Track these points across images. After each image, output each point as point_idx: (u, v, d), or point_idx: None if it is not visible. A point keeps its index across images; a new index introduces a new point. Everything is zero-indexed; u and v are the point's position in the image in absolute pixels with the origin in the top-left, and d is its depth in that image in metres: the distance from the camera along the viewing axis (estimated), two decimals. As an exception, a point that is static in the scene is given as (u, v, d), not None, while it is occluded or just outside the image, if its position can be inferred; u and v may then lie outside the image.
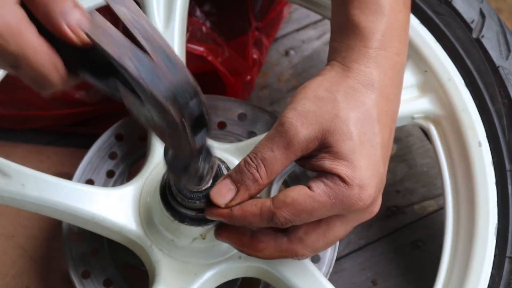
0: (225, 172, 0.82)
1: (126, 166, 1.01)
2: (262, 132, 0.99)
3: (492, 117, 0.92)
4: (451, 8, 0.96)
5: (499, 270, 0.87)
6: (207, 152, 0.74)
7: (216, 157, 0.83)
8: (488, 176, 0.90)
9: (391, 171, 1.11)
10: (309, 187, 0.76)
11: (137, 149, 1.01)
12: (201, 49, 1.07)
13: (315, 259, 0.95)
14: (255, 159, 0.77)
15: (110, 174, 1.00)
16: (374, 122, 0.78)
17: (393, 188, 1.10)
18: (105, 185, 0.99)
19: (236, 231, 0.81)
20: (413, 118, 0.94)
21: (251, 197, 0.78)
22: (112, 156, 1.01)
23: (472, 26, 0.95)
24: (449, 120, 0.93)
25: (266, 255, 0.80)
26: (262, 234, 0.80)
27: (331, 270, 0.95)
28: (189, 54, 1.04)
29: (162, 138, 0.71)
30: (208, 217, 0.80)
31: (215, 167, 0.78)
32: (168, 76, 0.65)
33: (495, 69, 0.93)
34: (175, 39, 0.96)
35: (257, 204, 0.77)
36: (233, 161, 0.90)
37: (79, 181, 0.98)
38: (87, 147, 1.01)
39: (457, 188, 0.91)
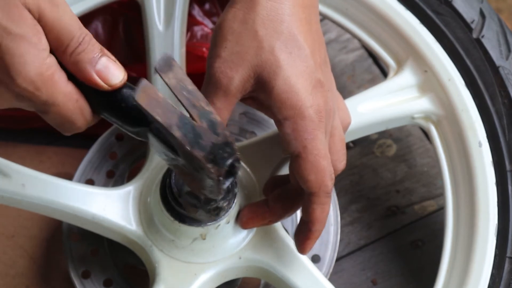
0: None
1: (126, 166, 1.01)
2: (262, 132, 0.99)
3: (492, 117, 0.92)
4: (451, 8, 0.96)
5: (499, 270, 0.87)
6: (227, 191, 0.80)
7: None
8: (488, 176, 0.90)
9: (391, 171, 1.11)
10: (297, 155, 0.77)
11: (137, 149, 1.01)
12: (201, 49, 1.07)
13: (315, 259, 0.95)
14: None
15: (110, 174, 1.00)
16: (296, 36, 0.77)
17: (393, 188, 1.10)
18: (105, 185, 0.99)
19: (255, 212, 0.83)
20: (413, 118, 0.94)
21: None
22: (112, 156, 1.01)
23: (472, 26, 0.95)
24: (449, 120, 0.93)
25: (325, 218, 0.81)
26: (311, 211, 0.80)
27: (331, 270, 0.95)
28: (189, 54, 1.04)
29: (192, 184, 0.75)
30: (302, 252, 0.83)
31: (234, 199, 0.83)
32: (210, 138, 0.69)
33: (495, 69, 0.93)
34: (175, 39, 0.96)
35: (314, 207, 0.78)
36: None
37: (79, 181, 0.98)
38: (87, 147, 1.01)
39: (457, 188, 0.91)
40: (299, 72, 0.77)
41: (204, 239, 0.86)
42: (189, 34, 1.08)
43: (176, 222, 0.84)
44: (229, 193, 0.81)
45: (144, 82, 0.67)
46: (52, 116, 0.71)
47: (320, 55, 0.80)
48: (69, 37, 0.68)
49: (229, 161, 0.70)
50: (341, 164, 0.83)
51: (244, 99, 0.81)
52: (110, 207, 0.89)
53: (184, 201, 0.81)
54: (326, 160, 0.77)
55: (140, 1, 0.98)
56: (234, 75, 0.77)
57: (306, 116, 0.76)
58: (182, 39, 0.97)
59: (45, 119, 0.72)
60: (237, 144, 0.92)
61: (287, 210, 0.82)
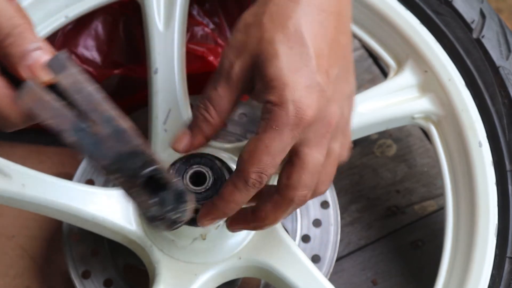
0: (226, 173, 0.82)
1: (126, 166, 1.01)
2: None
3: (493, 117, 0.92)
4: (451, 8, 0.95)
5: (499, 271, 0.87)
6: (176, 202, 0.72)
7: (216, 157, 0.83)
8: (488, 176, 0.90)
9: (391, 171, 1.11)
10: (256, 134, 0.76)
11: (137, 149, 1.01)
12: (201, 49, 1.07)
13: (315, 259, 0.95)
14: (202, 101, 0.79)
15: (110, 174, 1.00)
16: (302, 34, 0.76)
17: (393, 188, 1.10)
18: (105, 185, 0.99)
19: (240, 215, 0.81)
20: (413, 118, 0.94)
21: (207, 138, 0.80)
22: (112, 156, 1.00)
23: (473, 26, 0.95)
24: (450, 120, 0.93)
25: (272, 219, 0.80)
26: (258, 204, 0.80)
27: (331, 270, 0.95)
28: (189, 54, 1.04)
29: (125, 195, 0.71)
30: (200, 223, 0.80)
31: (187, 214, 0.75)
32: (113, 146, 0.64)
33: (495, 69, 0.93)
34: (175, 39, 0.96)
35: (228, 182, 0.77)
36: (234, 161, 0.90)
37: (79, 181, 0.98)
38: (87, 147, 1.01)
39: (457, 188, 0.91)
40: (295, 67, 0.76)
41: (204, 239, 0.86)
42: (189, 34, 1.08)
43: (176, 222, 0.84)
44: (180, 205, 0.73)
45: (28, 83, 0.63)
46: None
47: (330, 63, 0.78)
48: None
49: (146, 171, 0.66)
50: (323, 187, 0.80)
51: (253, 96, 0.79)
52: (110, 208, 0.89)
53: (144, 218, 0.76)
54: (270, 157, 0.75)
55: (140, 1, 0.98)
56: (236, 61, 0.77)
57: (285, 108, 0.74)
58: (182, 39, 0.97)
59: None
60: (238, 144, 0.92)
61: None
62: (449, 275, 0.88)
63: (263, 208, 0.79)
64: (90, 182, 0.99)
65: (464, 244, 0.89)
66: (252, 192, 0.77)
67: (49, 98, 0.63)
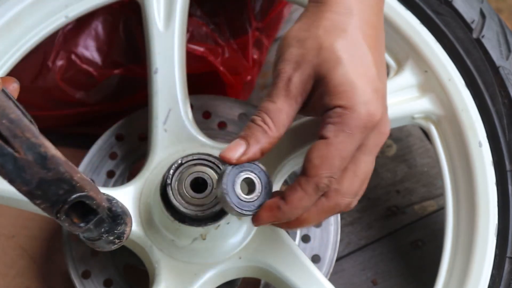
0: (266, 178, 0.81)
1: (127, 166, 1.01)
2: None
3: (493, 117, 0.92)
4: (451, 8, 0.95)
5: (499, 270, 0.87)
6: (111, 225, 0.73)
7: (216, 157, 0.83)
8: (488, 176, 0.90)
9: (391, 171, 1.11)
10: (322, 137, 0.76)
11: (137, 149, 1.01)
12: (201, 49, 1.07)
13: (315, 259, 0.95)
14: (259, 113, 0.78)
15: (110, 174, 1.00)
16: (360, 43, 0.78)
17: (393, 188, 1.10)
18: (105, 185, 0.99)
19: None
20: (413, 118, 0.94)
21: (263, 151, 0.78)
22: (112, 156, 1.01)
23: (473, 26, 0.95)
24: (450, 120, 0.93)
25: (314, 221, 0.79)
26: (290, 192, 0.78)
27: (331, 270, 0.95)
28: (189, 54, 1.04)
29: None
30: (259, 224, 0.79)
31: (125, 235, 0.74)
32: (38, 173, 0.63)
33: (495, 69, 0.93)
34: (175, 39, 0.96)
35: (296, 187, 0.76)
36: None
37: (79, 181, 0.98)
38: (87, 147, 1.01)
39: (457, 188, 0.91)
40: (359, 73, 0.76)
41: (204, 239, 0.86)
42: (189, 34, 1.08)
43: (176, 222, 0.84)
44: (118, 226, 0.73)
45: None
46: None
47: (384, 75, 0.79)
48: None
49: (71, 198, 0.65)
50: (347, 201, 0.79)
51: (307, 108, 0.79)
52: (110, 207, 0.89)
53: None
54: (340, 162, 0.75)
55: (140, 1, 0.98)
56: (295, 74, 0.77)
57: (357, 111, 0.75)
58: (182, 39, 0.97)
59: None
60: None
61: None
62: (449, 275, 0.88)
63: (306, 211, 0.78)
64: (90, 182, 0.99)
65: (464, 244, 0.89)
66: (319, 196, 0.77)
67: None
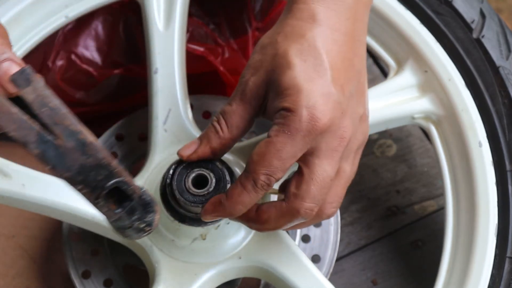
0: (227, 174, 0.82)
1: (127, 166, 1.01)
2: (262, 132, 0.98)
3: (493, 117, 0.92)
4: (451, 8, 0.95)
5: (499, 270, 0.87)
6: (142, 211, 0.74)
7: (218, 159, 0.83)
8: (488, 176, 0.90)
9: (391, 171, 1.11)
10: (267, 136, 0.77)
11: (137, 149, 1.01)
12: (201, 49, 1.07)
13: (315, 259, 0.95)
14: (216, 115, 0.81)
15: (110, 174, 1.00)
16: (316, 48, 0.78)
17: (393, 188, 1.10)
18: (105, 185, 0.99)
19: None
20: (413, 118, 0.94)
21: (213, 150, 0.81)
22: (112, 156, 1.00)
23: (473, 26, 0.95)
24: (450, 120, 0.93)
25: (273, 225, 0.80)
26: (264, 206, 0.80)
27: (331, 270, 0.95)
28: (189, 54, 1.04)
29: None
30: (204, 217, 0.81)
31: (155, 222, 0.76)
32: (79, 160, 0.66)
33: (495, 69, 0.93)
34: (175, 39, 0.96)
35: (237, 183, 0.78)
36: (233, 161, 0.90)
37: (79, 181, 0.98)
38: (87, 147, 1.01)
39: (457, 188, 0.91)
40: (309, 77, 0.77)
41: (204, 239, 0.86)
42: (189, 34, 1.08)
43: (176, 222, 0.84)
44: (147, 214, 0.75)
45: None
46: None
47: (345, 80, 0.79)
48: None
49: (109, 184, 0.68)
50: (331, 209, 0.81)
51: (265, 113, 0.80)
52: (110, 207, 0.89)
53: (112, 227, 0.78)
54: (279, 161, 0.76)
55: (140, 1, 0.98)
56: (251, 78, 0.79)
57: (298, 114, 0.75)
58: (182, 39, 0.97)
59: None
60: (237, 145, 0.92)
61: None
62: (449, 275, 0.88)
63: (266, 211, 0.79)
64: (90, 182, 0.99)
65: (464, 244, 0.89)
66: (260, 194, 0.78)
67: (15, 110, 0.64)
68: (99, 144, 0.67)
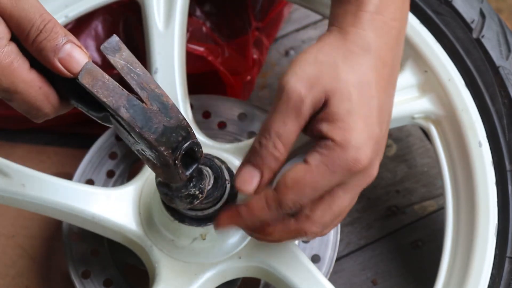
0: (225, 172, 0.82)
1: (127, 166, 1.01)
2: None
3: (493, 117, 0.92)
4: (451, 8, 0.96)
5: (499, 270, 0.87)
6: (198, 178, 0.78)
7: (215, 157, 0.83)
8: (488, 176, 0.90)
9: (391, 171, 1.11)
10: (305, 161, 0.76)
11: (137, 149, 1.01)
12: (201, 49, 1.07)
13: (315, 259, 0.95)
14: (270, 138, 0.77)
15: (110, 174, 1.00)
16: (371, 84, 0.78)
17: (393, 188, 1.10)
18: (105, 185, 0.99)
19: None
20: (413, 118, 0.94)
21: (275, 174, 0.79)
22: (112, 156, 1.01)
23: (472, 26, 0.95)
24: (449, 120, 0.93)
25: (276, 238, 0.80)
26: (254, 200, 0.79)
27: (331, 270, 0.95)
28: (189, 54, 1.04)
29: (153, 169, 0.74)
30: (219, 227, 0.80)
31: (206, 190, 0.80)
32: (162, 121, 0.69)
33: (495, 69, 0.93)
34: (175, 39, 0.96)
35: (262, 197, 0.77)
36: (233, 161, 0.90)
37: (79, 181, 0.98)
38: (87, 147, 1.01)
39: (457, 188, 0.91)
40: (363, 115, 0.77)
41: (204, 239, 0.86)
42: (189, 34, 1.08)
43: (176, 222, 0.84)
44: (201, 181, 0.78)
45: (89, 64, 0.68)
46: (17, 103, 0.71)
47: (386, 118, 0.80)
48: (29, 24, 0.68)
49: (186, 145, 0.70)
50: (313, 229, 0.79)
51: (308, 129, 0.79)
52: (110, 207, 0.89)
53: (159, 191, 0.79)
54: (312, 192, 0.76)
55: (140, 1, 0.98)
56: (309, 94, 0.77)
57: (346, 152, 0.75)
58: (182, 39, 0.97)
59: (12, 106, 0.72)
60: (238, 144, 0.93)
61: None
62: (449, 275, 0.88)
63: (272, 225, 0.79)
64: (90, 182, 0.99)
65: (464, 244, 0.89)
66: (281, 215, 0.77)
67: (107, 78, 0.68)
68: (176, 107, 0.70)
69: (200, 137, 0.93)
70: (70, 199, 0.88)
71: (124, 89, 0.68)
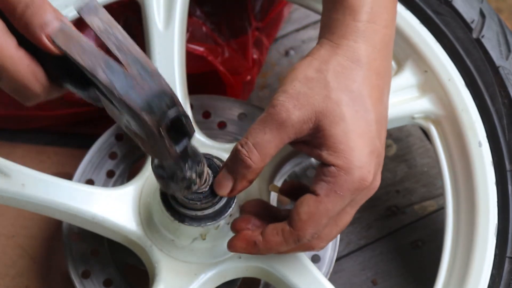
0: None
1: (126, 166, 1.01)
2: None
3: (492, 117, 0.92)
4: (451, 8, 0.95)
5: (499, 270, 0.87)
6: (193, 160, 0.74)
7: (215, 157, 0.83)
8: (488, 176, 0.90)
9: (391, 171, 1.11)
10: (314, 193, 0.76)
11: (137, 149, 1.01)
12: (201, 49, 1.07)
13: (315, 259, 0.95)
14: (245, 145, 0.77)
15: (110, 174, 1.00)
16: (365, 98, 0.77)
17: (393, 188, 1.10)
18: (105, 185, 0.99)
19: (248, 240, 0.80)
20: (413, 118, 0.94)
21: (251, 182, 0.79)
22: (112, 156, 1.01)
23: (472, 26, 0.95)
24: (449, 120, 0.93)
25: (283, 252, 0.81)
26: (271, 234, 0.79)
27: (331, 270, 0.95)
28: (189, 54, 1.04)
29: (143, 146, 0.71)
30: (232, 250, 0.81)
31: (205, 175, 0.78)
32: (143, 86, 0.65)
33: (495, 69, 0.93)
34: (175, 39, 0.96)
35: (278, 232, 0.78)
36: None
37: (79, 181, 0.98)
38: (87, 147, 1.01)
39: (457, 188, 0.91)
40: (361, 132, 0.76)
41: (204, 239, 0.86)
42: (189, 34, 1.08)
43: (176, 222, 0.84)
44: (197, 163, 0.75)
45: (62, 25, 0.65)
46: (5, 82, 0.69)
47: (383, 128, 0.80)
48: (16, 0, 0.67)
49: (172, 114, 0.67)
50: (321, 246, 0.80)
51: (296, 143, 0.79)
52: (110, 207, 0.89)
53: (155, 175, 0.76)
54: (327, 220, 0.77)
55: (140, 1, 0.98)
56: (295, 112, 0.76)
57: (352, 174, 0.75)
58: (182, 39, 0.97)
59: (3, 88, 0.70)
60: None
61: (279, 248, 0.79)
62: (449, 275, 0.88)
63: (278, 243, 0.79)
64: (90, 182, 0.99)
65: (464, 244, 0.89)
66: (298, 247, 0.79)
67: (84, 40, 0.64)
68: (159, 72, 0.66)
69: (200, 137, 0.93)
70: (70, 199, 0.88)
71: (102, 51, 0.65)
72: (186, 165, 0.73)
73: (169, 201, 0.83)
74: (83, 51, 0.64)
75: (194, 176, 0.75)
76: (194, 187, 0.76)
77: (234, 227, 0.82)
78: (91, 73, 0.64)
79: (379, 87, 0.79)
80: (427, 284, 0.93)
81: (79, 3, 0.65)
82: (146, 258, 0.89)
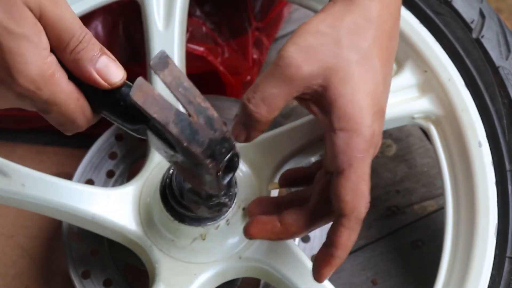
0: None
1: (126, 166, 1.01)
2: (262, 132, 0.99)
3: (492, 117, 0.92)
4: (451, 8, 0.95)
5: (499, 270, 0.87)
6: (228, 187, 0.81)
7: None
8: (488, 176, 0.90)
9: (391, 171, 1.11)
10: (337, 170, 0.75)
11: (137, 149, 1.01)
12: (201, 49, 1.07)
13: (315, 259, 0.95)
14: (253, 99, 0.77)
15: (110, 174, 1.00)
16: (375, 59, 0.77)
17: (393, 188, 1.10)
18: (105, 185, 0.99)
19: (265, 226, 0.80)
20: (413, 118, 0.94)
21: (263, 131, 0.79)
22: (112, 156, 1.01)
23: (472, 26, 0.95)
24: (449, 120, 0.93)
25: (303, 232, 0.80)
26: (290, 216, 0.79)
27: (331, 270, 0.95)
28: (189, 54, 1.04)
29: (191, 181, 0.76)
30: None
31: (234, 198, 0.83)
32: (208, 135, 0.69)
33: (495, 69, 0.93)
34: (175, 39, 0.96)
35: (341, 229, 0.76)
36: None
37: (79, 181, 0.98)
38: (87, 147, 1.01)
39: (457, 188, 0.91)
40: (368, 91, 0.76)
41: (204, 239, 0.86)
42: (189, 34, 1.08)
43: (176, 222, 0.84)
44: (230, 189, 0.82)
45: (140, 80, 0.68)
46: (54, 115, 0.71)
47: (386, 90, 0.80)
48: (70, 35, 0.68)
49: (228, 156, 0.71)
50: (365, 206, 0.79)
51: (303, 100, 0.78)
52: (110, 207, 0.89)
53: (187, 198, 0.81)
54: (366, 186, 0.76)
55: (140, 1, 0.98)
56: (305, 67, 0.75)
57: (363, 133, 0.75)
58: (182, 39, 0.97)
59: (47, 119, 0.72)
60: (237, 144, 0.92)
61: (301, 230, 0.80)
62: (449, 275, 0.88)
63: (296, 225, 0.79)
64: (90, 182, 0.99)
65: (464, 244, 0.89)
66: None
67: (157, 94, 0.68)
68: (221, 119, 0.70)
69: (200, 137, 0.93)
70: (70, 199, 0.88)
71: (172, 104, 0.68)
72: (223, 192, 0.79)
73: (169, 201, 0.83)
74: (156, 105, 0.68)
75: (227, 200, 0.81)
76: (225, 209, 0.83)
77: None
78: (162, 126, 0.68)
79: (388, 49, 0.79)
80: (427, 284, 0.93)
81: (154, 60, 0.69)
82: (146, 258, 0.89)
